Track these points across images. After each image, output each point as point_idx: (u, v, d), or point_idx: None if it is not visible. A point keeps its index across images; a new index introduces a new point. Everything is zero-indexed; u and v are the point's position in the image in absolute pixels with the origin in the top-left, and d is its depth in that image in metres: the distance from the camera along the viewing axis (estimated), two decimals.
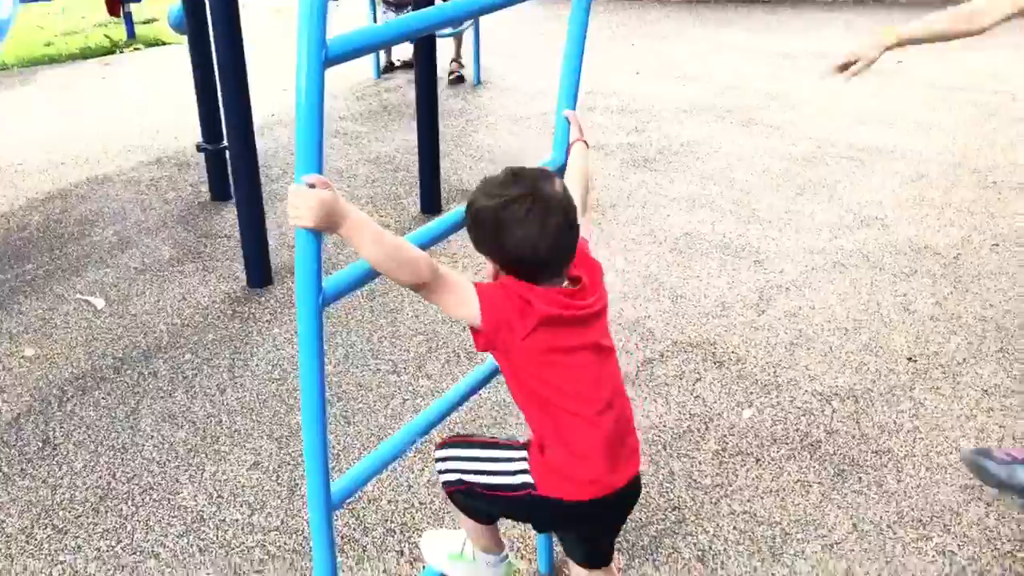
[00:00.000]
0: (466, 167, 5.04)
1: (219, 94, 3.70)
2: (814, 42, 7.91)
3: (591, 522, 1.72)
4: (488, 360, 1.92)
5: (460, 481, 1.74)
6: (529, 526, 2.39)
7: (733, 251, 4.04)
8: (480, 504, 1.78)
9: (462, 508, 1.83)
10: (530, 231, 1.50)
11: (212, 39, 3.58)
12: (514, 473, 1.68)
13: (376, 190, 4.73)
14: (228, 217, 4.32)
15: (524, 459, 1.68)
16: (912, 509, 2.49)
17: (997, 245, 4.06)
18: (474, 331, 1.56)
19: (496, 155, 5.17)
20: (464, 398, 1.79)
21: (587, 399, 1.61)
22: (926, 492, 2.55)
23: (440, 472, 1.78)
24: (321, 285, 1.37)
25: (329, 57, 1.27)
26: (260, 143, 5.49)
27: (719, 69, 7.14)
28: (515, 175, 1.56)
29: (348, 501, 2.50)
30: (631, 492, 1.72)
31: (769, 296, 3.63)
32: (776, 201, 4.58)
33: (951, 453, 2.71)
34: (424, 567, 2.16)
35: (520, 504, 1.69)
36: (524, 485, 1.67)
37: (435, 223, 1.62)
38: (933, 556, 2.33)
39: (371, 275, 1.48)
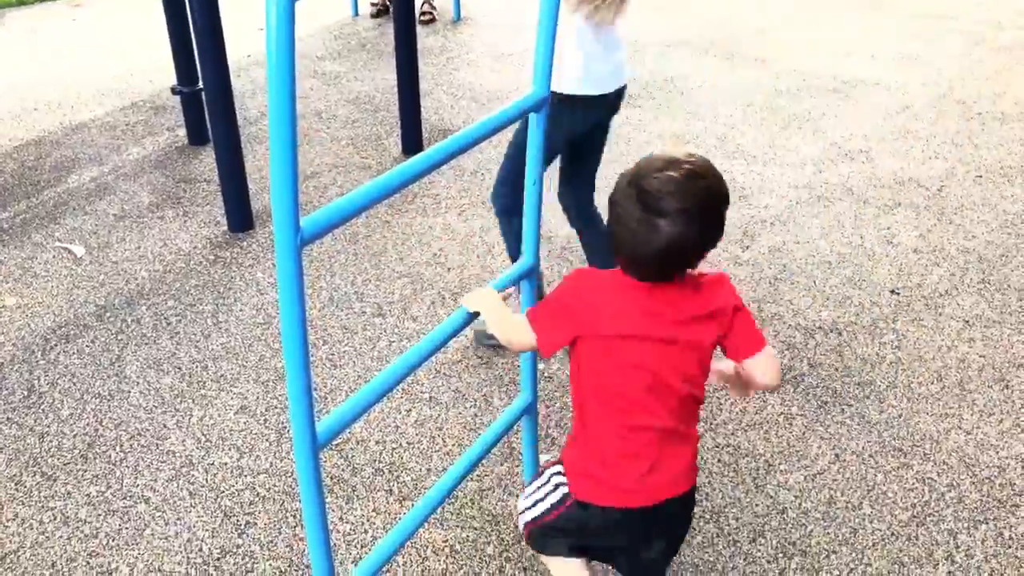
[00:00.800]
0: (448, 106, 4.97)
1: (192, 35, 3.61)
2: None
3: (629, 534, 1.70)
4: None
5: (528, 521, 1.77)
6: (516, 465, 2.41)
7: None
8: (549, 540, 1.77)
9: (540, 550, 1.83)
10: (634, 239, 1.53)
11: None
12: (556, 488, 1.71)
13: (356, 131, 4.66)
14: (207, 161, 4.25)
15: (560, 472, 1.71)
16: (893, 439, 2.53)
17: (981, 176, 4.06)
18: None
19: (478, 93, 5.09)
20: (447, 339, 1.78)
21: (623, 410, 1.61)
22: (907, 422, 2.59)
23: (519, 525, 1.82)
24: (299, 225, 1.35)
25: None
26: (237, 84, 5.37)
27: (704, 2, 7.02)
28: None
29: (336, 442, 2.53)
30: (678, 507, 1.69)
31: (753, 232, 3.63)
32: (760, 136, 4.55)
33: (932, 383, 2.74)
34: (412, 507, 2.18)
35: (572, 523, 1.69)
36: (564, 497, 1.69)
37: (416, 161, 1.58)
38: (913, 483, 2.37)
39: (350, 214, 1.46)
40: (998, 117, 4.69)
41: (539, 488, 1.75)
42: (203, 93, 3.78)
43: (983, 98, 4.95)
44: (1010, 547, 2.17)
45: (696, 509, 2.28)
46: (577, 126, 2.61)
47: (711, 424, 2.59)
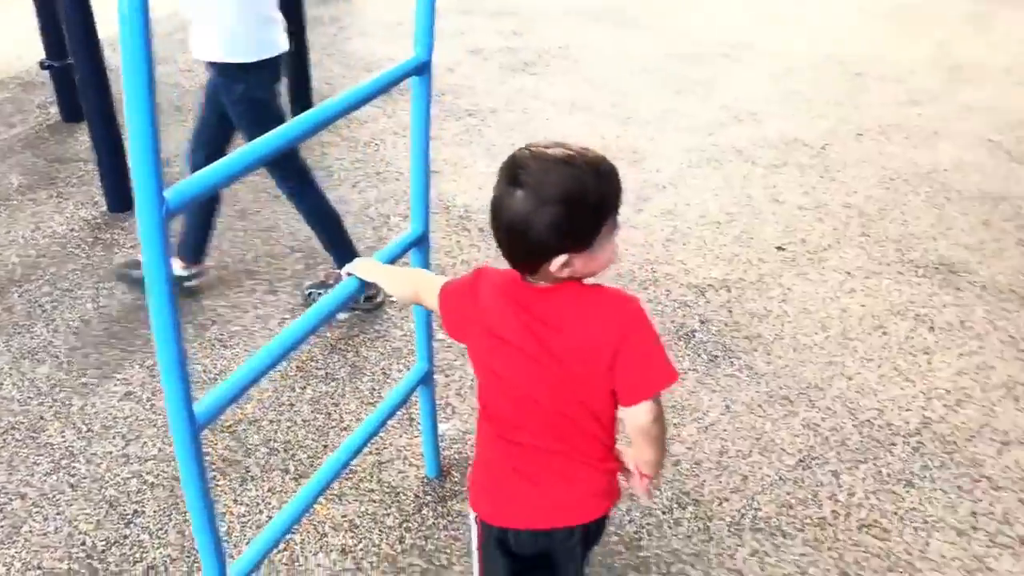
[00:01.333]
0: (339, 76, 4.85)
1: (58, 6, 3.41)
2: None
3: (526, 552, 1.53)
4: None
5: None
6: (415, 436, 2.39)
7: (611, 152, 3.99)
8: None
9: None
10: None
11: None
12: (472, 517, 1.57)
13: None
14: (82, 139, 4.04)
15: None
16: (780, 388, 2.61)
17: (861, 135, 4.21)
18: None
19: (371, 63, 4.98)
20: (333, 312, 1.74)
21: (499, 414, 1.48)
22: (793, 371, 2.67)
23: None
24: (163, 196, 1.28)
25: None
26: (113, 58, 5.12)
27: None
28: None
29: (227, 424, 2.46)
30: (562, 537, 1.50)
31: (646, 195, 3.68)
32: (654, 101, 4.60)
33: (816, 334, 2.84)
34: None
35: (488, 549, 1.55)
36: (476, 519, 1.55)
37: (289, 126, 1.53)
38: (799, 430, 2.46)
39: (219, 182, 1.40)
40: (877, 78, 4.87)
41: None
42: (73, 67, 3.59)
43: (863, 59, 5.12)
44: (887, 483, 2.28)
45: None
46: (265, 89, 2.67)
47: None
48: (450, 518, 2.17)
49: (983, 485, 2.29)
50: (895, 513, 2.20)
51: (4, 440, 2.43)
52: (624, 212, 3.69)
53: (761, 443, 2.41)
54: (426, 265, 2.01)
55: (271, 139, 1.47)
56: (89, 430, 2.46)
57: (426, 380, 2.16)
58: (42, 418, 2.51)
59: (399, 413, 2.48)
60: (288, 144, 1.57)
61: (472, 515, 1.57)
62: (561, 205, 1.29)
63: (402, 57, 1.81)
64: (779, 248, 3.30)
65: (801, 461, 2.35)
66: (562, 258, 1.31)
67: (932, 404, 2.55)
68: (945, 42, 5.42)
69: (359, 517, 2.18)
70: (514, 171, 1.33)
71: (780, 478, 2.30)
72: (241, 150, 1.43)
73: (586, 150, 1.35)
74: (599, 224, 1.33)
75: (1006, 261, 3.23)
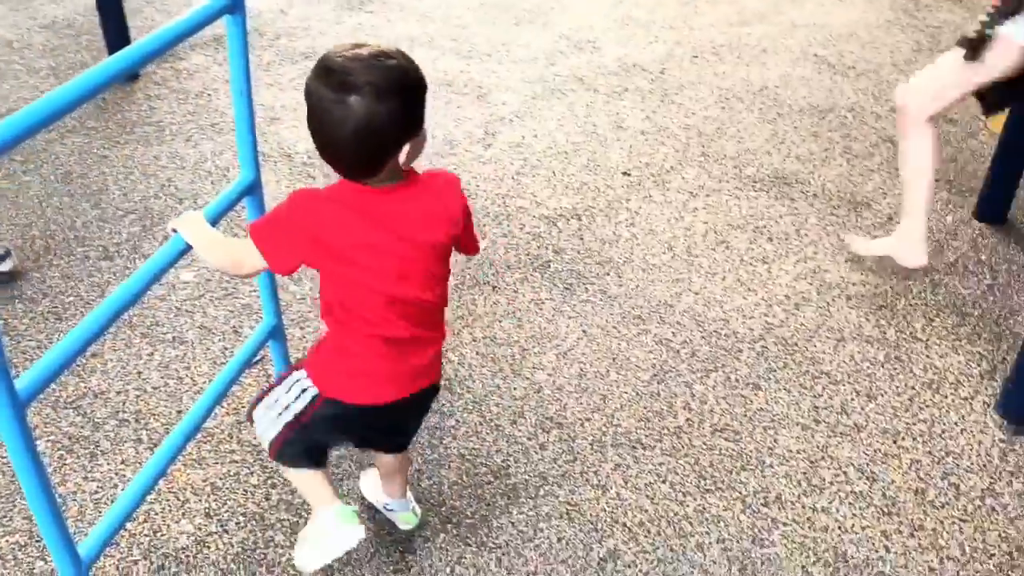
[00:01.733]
0: (160, 24, 4.55)
1: None
2: None
3: (375, 427, 1.77)
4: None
5: (274, 438, 1.69)
6: None
7: (456, 88, 4.00)
8: (298, 447, 1.70)
9: (290, 462, 1.75)
10: (338, 136, 1.48)
11: None
12: (302, 392, 1.66)
13: (58, 59, 4.17)
14: None
15: (302, 378, 1.67)
16: (632, 308, 2.70)
17: (696, 57, 4.32)
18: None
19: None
20: (162, 271, 1.65)
21: (367, 322, 1.58)
22: (643, 291, 2.77)
23: (265, 446, 1.73)
24: None
25: None
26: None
27: None
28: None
29: (71, 399, 2.33)
30: (421, 396, 1.73)
31: (494, 129, 3.67)
32: (493, 33, 4.56)
33: (664, 254, 2.94)
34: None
35: (321, 421, 1.67)
36: (314, 398, 1.66)
37: (92, 72, 1.41)
38: (652, 346, 2.56)
39: (21, 134, 1.27)
40: (710, 0, 5.00)
41: (281, 398, 1.68)
42: None
43: None
44: (736, 388, 2.41)
45: (458, 401, 2.34)
46: None
47: (467, 322, 2.63)
48: None
49: (823, 381, 2.45)
50: (745, 415, 2.33)
51: None
52: (473, 148, 3.69)
53: (617, 362, 2.49)
54: (261, 212, 1.94)
55: (66, 90, 1.35)
56: None
57: (275, 334, 2.10)
58: None
59: (255, 370, 2.42)
60: (92, 91, 1.45)
61: (306, 392, 1.66)
62: (398, 96, 1.40)
63: None
64: (625, 173, 3.38)
65: (655, 376, 2.45)
66: (406, 147, 1.44)
67: (773, 310, 2.70)
68: None
69: (220, 479, 2.12)
70: (340, 79, 1.40)
71: (637, 394, 2.39)
72: (38, 102, 1.31)
73: (378, 44, 1.46)
74: (425, 104, 1.47)
75: (834, 169, 3.42)
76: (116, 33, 3.95)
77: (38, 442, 2.20)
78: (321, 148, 1.49)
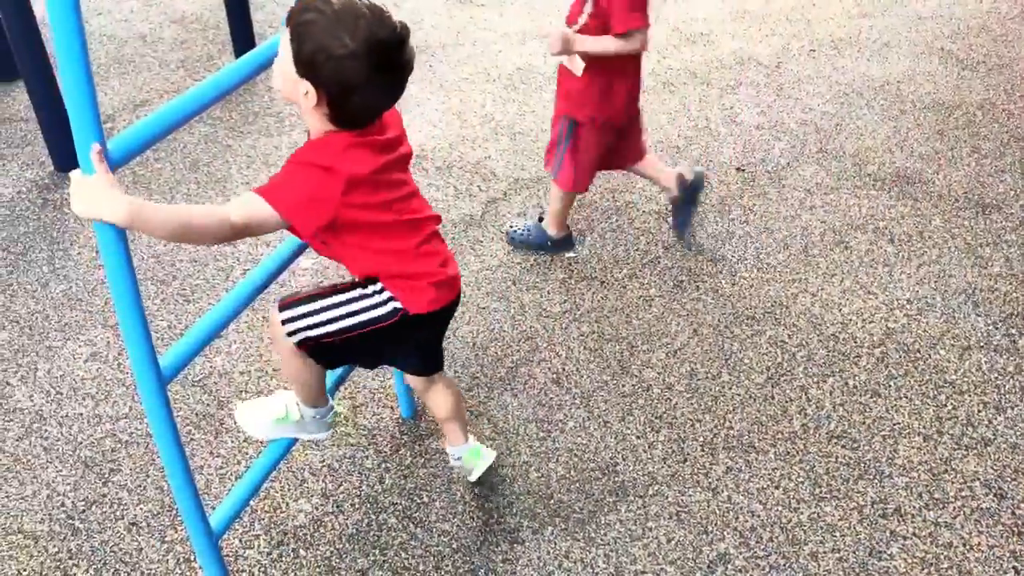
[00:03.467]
0: (282, 18, 4.70)
1: None
2: None
3: (431, 330, 1.82)
4: None
5: (311, 339, 1.70)
6: (387, 379, 2.40)
7: None
8: (334, 354, 1.74)
9: (318, 360, 1.76)
10: (379, 93, 1.51)
11: None
12: (383, 303, 1.67)
13: (187, 52, 4.37)
14: (20, 98, 3.90)
15: (384, 289, 1.67)
16: (746, 308, 2.64)
17: (814, 51, 4.19)
18: (292, 230, 1.52)
19: None
20: (290, 260, 1.72)
21: (411, 233, 1.64)
22: (758, 291, 2.71)
23: (290, 333, 1.70)
24: (106, 148, 1.24)
25: None
26: (44, 11, 4.91)
27: None
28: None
29: (198, 378, 2.44)
30: (456, 302, 1.80)
31: None
32: None
33: (779, 252, 2.87)
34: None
35: (385, 334, 1.69)
36: (394, 311, 1.67)
37: (228, 71, 1.48)
38: (766, 348, 2.50)
39: (165, 129, 1.35)
40: None
41: (360, 300, 1.68)
42: (2, 23, 3.43)
43: None
44: (854, 394, 2.34)
45: (566, 396, 2.35)
46: None
47: (575, 316, 2.63)
48: (427, 456, 2.19)
49: (947, 390, 2.35)
50: (863, 423, 2.26)
51: None
52: None
53: (730, 363, 2.45)
54: None
55: (206, 88, 1.42)
56: (58, 393, 2.43)
57: None
58: (8, 384, 2.47)
59: None
60: (230, 88, 1.52)
61: (384, 305, 1.67)
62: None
63: None
64: (738, 169, 3.31)
65: (770, 379, 2.40)
66: None
67: (894, 315, 2.60)
68: None
69: (337, 461, 2.19)
70: (393, 22, 1.43)
71: (750, 396, 2.35)
72: (180, 98, 1.38)
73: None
74: None
75: (960, 169, 3.27)
76: (241, 27, 4.11)
77: None
78: (354, 110, 1.49)
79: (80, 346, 2.58)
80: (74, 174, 1.25)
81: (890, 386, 2.36)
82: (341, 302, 1.68)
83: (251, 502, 2.08)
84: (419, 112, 3.77)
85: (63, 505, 2.11)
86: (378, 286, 1.67)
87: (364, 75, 1.41)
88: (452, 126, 3.66)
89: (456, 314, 2.62)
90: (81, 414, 2.36)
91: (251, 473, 1.80)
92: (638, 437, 2.24)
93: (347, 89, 1.43)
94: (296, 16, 1.43)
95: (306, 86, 1.44)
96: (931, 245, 2.88)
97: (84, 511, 2.09)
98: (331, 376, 2.00)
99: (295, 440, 1.89)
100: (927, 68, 3.99)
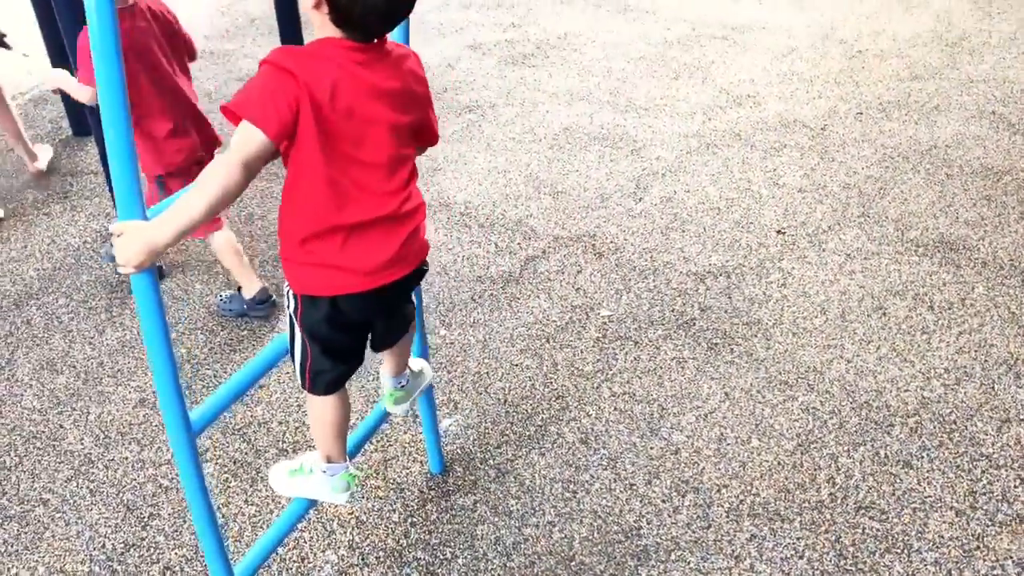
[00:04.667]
0: None
1: (60, 26, 3.48)
2: None
3: (376, 307, 1.69)
4: None
5: (302, 364, 1.71)
6: (418, 433, 2.45)
7: (611, 142, 4.08)
8: (323, 365, 1.71)
9: (322, 390, 1.76)
10: None
11: None
12: (295, 298, 1.64)
13: None
14: (92, 152, 4.13)
15: (289, 290, 1.65)
16: (779, 373, 2.64)
17: (861, 113, 4.20)
18: (283, 155, 1.49)
19: None
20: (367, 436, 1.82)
21: (358, 209, 1.55)
22: (792, 356, 2.70)
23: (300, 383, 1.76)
24: (145, 215, 1.34)
25: None
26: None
27: None
28: None
29: (238, 427, 2.53)
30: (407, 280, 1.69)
31: (646, 184, 3.70)
32: (652, 88, 4.62)
33: (816, 317, 2.86)
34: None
35: (316, 323, 1.64)
36: (296, 302, 1.63)
37: None
38: (798, 414, 2.49)
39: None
40: (877, 54, 4.85)
41: (292, 322, 1.69)
42: None
43: (864, 36, 5.10)
44: (885, 464, 2.31)
45: (593, 456, 2.36)
46: None
47: (607, 375, 2.66)
48: (453, 512, 2.23)
49: (982, 464, 2.31)
50: (892, 494, 2.23)
51: (27, 449, 2.51)
52: (624, 202, 3.73)
53: (760, 429, 2.45)
54: None
55: None
56: (106, 437, 2.54)
57: None
58: (62, 426, 2.59)
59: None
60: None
61: (296, 304, 1.64)
62: None
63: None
64: (779, 232, 3.32)
65: (800, 445, 2.39)
66: None
67: (931, 384, 2.57)
68: (945, 14, 5.39)
69: (365, 513, 2.24)
70: None
71: (779, 463, 2.34)
72: None
73: None
74: None
75: (1007, 237, 3.23)
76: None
77: (207, 464, 2.41)
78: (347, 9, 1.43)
79: (130, 392, 2.70)
80: (118, 226, 1.34)
81: (923, 457, 2.33)
82: (292, 335, 1.70)
83: (279, 551, 2.14)
84: (465, 170, 3.87)
85: (103, 547, 2.20)
86: (289, 293, 1.65)
87: None
88: (496, 184, 3.75)
89: (488, 369, 2.68)
90: (127, 458, 2.46)
91: (278, 523, 1.86)
92: (663, 500, 2.24)
93: None
94: None
95: None
96: (973, 313, 2.85)
97: (123, 553, 2.18)
98: (353, 439, 2.05)
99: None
100: (977, 132, 3.96)
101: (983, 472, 2.28)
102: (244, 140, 1.39)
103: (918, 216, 3.36)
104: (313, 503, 1.94)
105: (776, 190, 3.60)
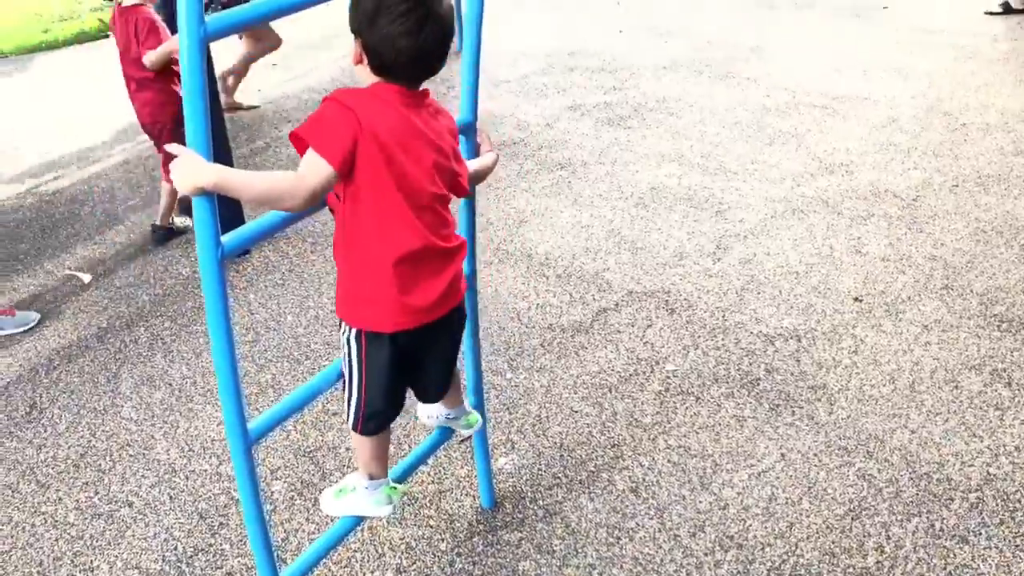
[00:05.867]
0: None
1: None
2: None
3: (406, 351, 1.81)
4: None
5: (356, 408, 1.85)
6: (473, 468, 2.55)
7: (696, 203, 4.14)
8: (377, 407, 1.86)
9: (374, 432, 1.92)
10: (402, 29, 1.58)
11: None
12: (348, 345, 1.77)
13: None
14: None
15: (347, 326, 1.77)
16: (839, 438, 2.62)
17: (956, 186, 4.13)
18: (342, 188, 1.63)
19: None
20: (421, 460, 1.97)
21: (406, 238, 1.68)
22: (855, 422, 2.68)
23: (353, 426, 1.91)
24: (219, 240, 1.52)
25: (208, 34, 1.41)
26: (247, 116, 5.62)
27: (702, 24, 7.16)
28: None
29: (309, 450, 2.69)
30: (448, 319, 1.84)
31: (726, 244, 3.74)
32: (744, 152, 4.66)
33: (884, 386, 2.83)
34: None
35: (372, 364, 1.78)
36: (359, 333, 1.76)
37: None
38: (853, 480, 2.46)
39: (268, 231, 1.63)
40: (982, 128, 4.75)
41: (348, 359, 1.80)
42: None
43: (970, 109, 5.01)
44: (939, 538, 2.25)
45: (641, 505, 2.40)
46: None
47: (664, 428, 2.70)
48: (498, 547, 2.31)
49: None
50: (944, 568, 2.17)
51: (120, 455, 2.75)
52: (701, 262, 3.79)
53: (812, 491, 2.43)
54: (471, 155, 2.03)
55: None
56: (191, 450, 2.75)
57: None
58: (153, 437, 2.82)
59: (463, 445, 2.65)
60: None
61: (359, 342, 1.77)
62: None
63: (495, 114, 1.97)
64: (856, 299, 3.30)
65: (851, 511, 2.36)
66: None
67: (998, 460, 2.50)
68: None
69: (415, 540, 2.35)
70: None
71: (827, 526, 2.32)
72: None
73: None
74: None
75: None
76: None
77: (276, 482, 2.58)
78: (377, 43, 1.60)
79: (216, 410, 2.92)
80: (173, 147, 1.51)
81: (981, 534, 2.26)
82: (349, 377, 1.83)
83: (333, 568, 2.26)
84: (550, 223, 4.01)
85: (175, 549, 2.38)
86: (344, 328, 1.78)
87: (383, 3, 1.57)
88: (578, 238, 3.87)
89: (548, 414, 2.77)
90: (206, 470, 2.66)
91: (325, 536, 1.99)
92: (706, 554, 2.26)
93: (372, 17, 1.57)
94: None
95: (355, 46, 1.64)
96: None
97: (192, 557, 2.35)
98: (403, 464, 2.17)
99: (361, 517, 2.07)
100: None
101: None
102: (313, 170, 1.55)
103: (1005, 292, 3.27)
104: (360, 520, 2.06)
105: (858, 258, 3.57)
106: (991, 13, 6.71)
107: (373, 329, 1.75)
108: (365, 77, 1.67)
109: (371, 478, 2.01)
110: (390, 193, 1.63)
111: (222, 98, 5.08)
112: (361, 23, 1.61)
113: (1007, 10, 6.68)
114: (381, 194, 1.62)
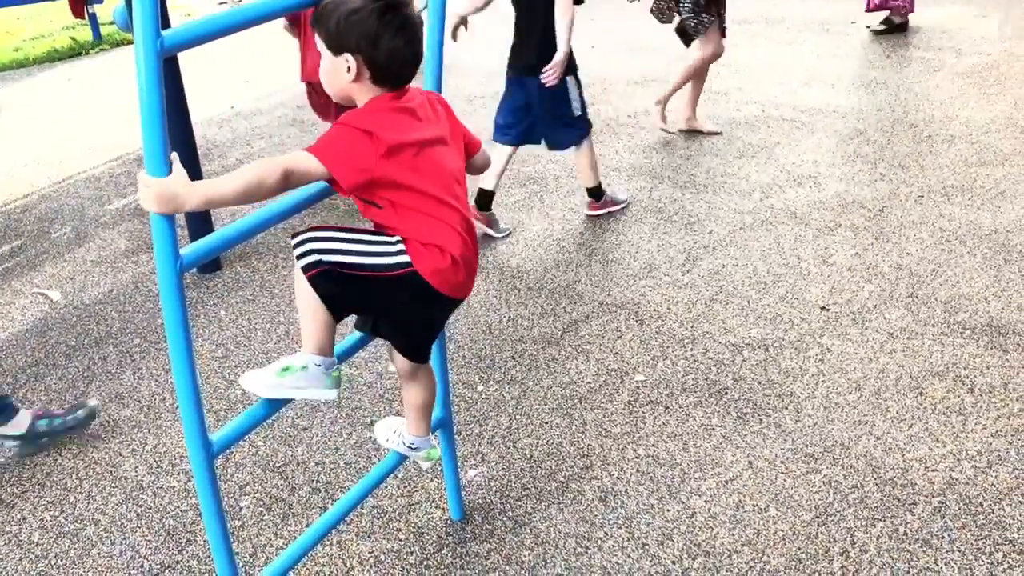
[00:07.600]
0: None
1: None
2: (767, 7, 7.99)
3: (427, 309, 1.88)
4: None
5: (321, 263, 1.73)
6: (443, 481, 2.55)
7: (666, 215, 4.18)
8: (337, 288, 1.75)
9: (321, 293, 1.75)
10: (403, 41, 1.70)
11: None
12: (394, 253, 1.76)
13: None
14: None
15: (401, 242, 1.76)
16: (806, 446, 2.64)
17: (922, 197, 4.19)
18: (332, 183, 1.68)
19: None
20: (347, 353, 1.95)
21: (442, 191, 1.78)
22: (821, 430, 2.70)
23: (301, 256, 1.75)
24: (178, 252, 1.52)
25: (165, 47, 1.41)
26: (220, 134, 5.65)
27: (673, 39, 7.21)
28: None
29: (278, 465, 2.68)
30: (454, 301, 1.91)
31: (696, 256, 3.78)
32: (714, 165, 4.72)
33: (850, 393, 2.86)
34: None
35: (385, 286, 1.76)
36: (401, 264, 1.75)
37: None
38: (819, 486, 2.49)
39: (229, 243, 1.63)
40: (947, 139, 4.84)
41: (374, 244, 1.77)
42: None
43: (934, 121, 5.10)
44: (903, 542, 2.28)
45: (610, 515, 2.41)
46: None
47: (633, 438, 2.72)
48: (467, 559, 2.31)
49: (1005, 548, 2.25)
50: (907, 572, 2.19)
51: (87, 473, 2.73)
52: (671, 273, 3.81)
53: (779, 498, 2.45)
54: None
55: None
56: (159, 466, 2.73)
57: (443, 425, 2.32)
58: (120, 454, 2.80)
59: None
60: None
61: (398, 256, 1.77)
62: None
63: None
64: (823, 308, 3.34)
65: (817, 517, 2.38)
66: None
67: (961, 465, 2.53)
68: (1023, 101, 5.34)
69: (384, 554, 2.34)
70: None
71: (793, 533, 2.33)
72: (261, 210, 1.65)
73: None
74: None
75: None
76: None
77: (244, 498, 2.57)
78: (383, 58, 1.69)
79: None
80: (141, 175, 1.52)
81: (943, 537, 2.29)
82: (356, 239, 1.77)
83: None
84: (521, 237, 4.03)
85: (142, 567, 2.36)
86: (395, 238, 1.76)
87: (380, 22, 1.66)
88: (550, 251, 3.89)
89: (519, 425, 2.78)
90: (173, 487, 2.64)
91: (290, 550, 1.99)
92: (673, 562, 2.27)
93: (374, 38, 1.66)
94: (314, 15, 1.71)
95: (344, 61, 1.69)
96: (1015, 398, 2.79)
97: (158, 573, 2.33)
98: (340, 347, 2.00)
99: (336, 522, 2.06)
100: None
101: (1005, 556, 2.22)
102: (304, 161, 1.60)
103: (968, 299, 3.33)
104: (328, 531, 2.05)
105: (825, 268, 3.62)
106: (877, 32, 6.81)
107: (420, 270, 1.76)
108: (359, 94, 1.74)
109: (319, 353, 1.83)
110: (427, 183, 1.74)
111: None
112: (360, 44, 1.68)
113: (891, 28, 6.78)
114: (420, 188, 1.73)
